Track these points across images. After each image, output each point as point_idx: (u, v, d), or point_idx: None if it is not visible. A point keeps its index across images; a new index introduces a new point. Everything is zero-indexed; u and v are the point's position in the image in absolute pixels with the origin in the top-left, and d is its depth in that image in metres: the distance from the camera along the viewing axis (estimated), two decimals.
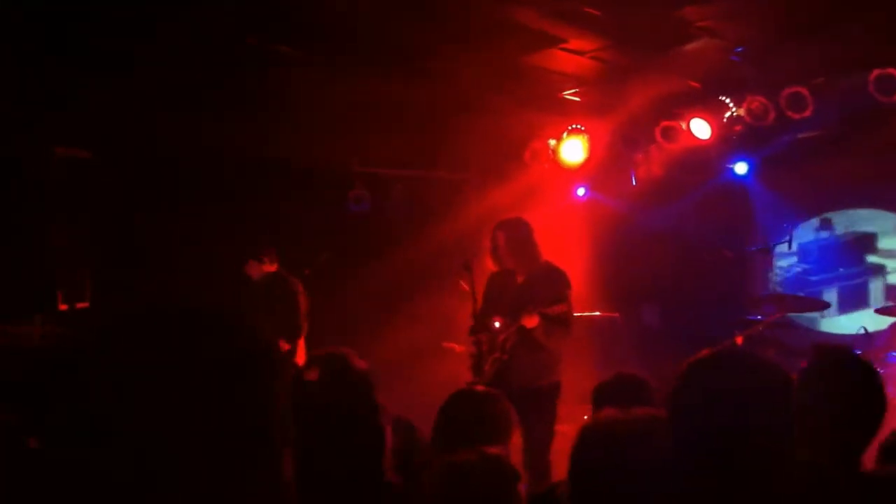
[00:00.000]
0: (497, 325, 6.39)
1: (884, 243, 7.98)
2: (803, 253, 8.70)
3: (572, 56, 7.65)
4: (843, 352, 3.09)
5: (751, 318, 7.57)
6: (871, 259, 8.30)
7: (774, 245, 8.18)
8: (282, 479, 1.31)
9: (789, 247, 8.02)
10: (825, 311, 8.18)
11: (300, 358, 7.47)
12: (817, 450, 2.83)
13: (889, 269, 8.16)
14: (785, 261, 9.12)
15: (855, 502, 2.67)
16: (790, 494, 2.07)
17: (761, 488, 1.93)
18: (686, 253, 9.27)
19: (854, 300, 8.22)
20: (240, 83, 7.21)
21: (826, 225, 8.72)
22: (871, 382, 2.96)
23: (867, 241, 8.27)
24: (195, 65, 6.77)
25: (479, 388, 4.69)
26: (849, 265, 8.53)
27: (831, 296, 8.26)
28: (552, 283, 6.31)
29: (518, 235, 6.46)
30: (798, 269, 8.81)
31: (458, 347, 6.87)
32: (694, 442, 1.96)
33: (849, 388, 2.87)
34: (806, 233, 8.93)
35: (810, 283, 8.64)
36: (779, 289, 9.05)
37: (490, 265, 6.56)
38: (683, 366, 2.05)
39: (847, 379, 2.89)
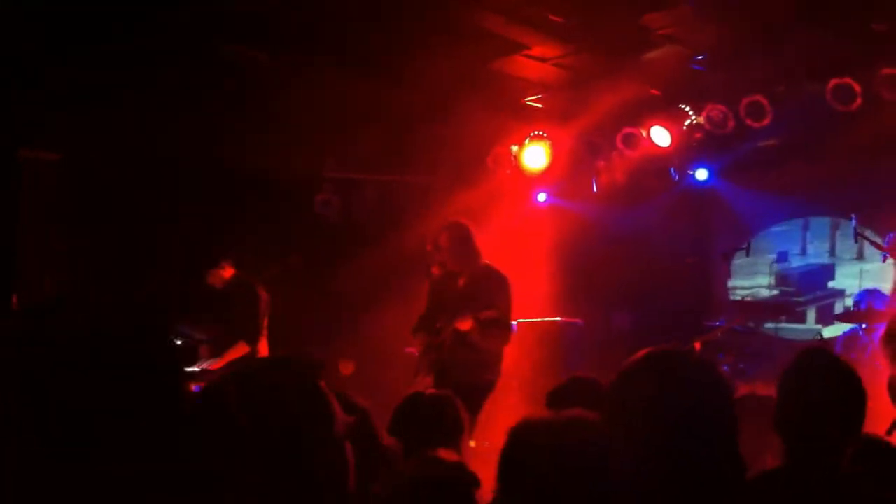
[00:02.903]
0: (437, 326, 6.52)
1: (839, 273, 9.20)
2: (783, 278, 9.42)
3: (535, 62, 7.70)
4: (822, 354, 3.10)
5: (711, 324, 7.65)
6: (831, 284, 9.20)
7: (734, 251, 8.28)
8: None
9: (747, 253, 8.15)
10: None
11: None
12: (795, 453, 2.84)
13: (847, 293, 9.04)
14: (764, 288, 9.48)
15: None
16: (741, 495, 2.08)
17: (700, 486, 1.94)
18: (648, 259, 9.34)
19: (825, 318, 9.15)
20: (209, 87, 7.19)
21: (783, 257, 9.48)
22: (850, 384, 2.96)
23: (829, 270, 9.21)
24: (165, 70, 6.75)
25: (431, 391, 4.70)
26: (822, 289, 9.28)
27: (811, 315, 9.24)
28: (489, 286, 6.42)
29: (459, 237, 6.56)
30: (777, 292, 9.40)
31: (417, 352, 6.93)
32: (630, 442, 1.97)
33: (830, 387, 2.88)
34: (753, 267, 9.32)
35: (795, 304, 9.29)
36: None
37: (432, 267, 6.65)
38: (621, 367, 2.07)
39: (826, 380, 2.90)
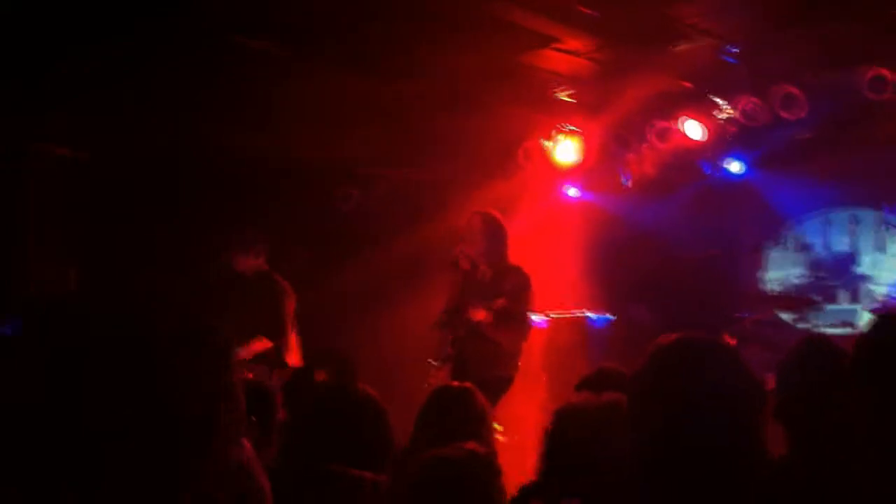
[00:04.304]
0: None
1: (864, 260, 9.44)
2: (816, 264, 9.53)
3: (565, 56, 7.65)
4: (820, 342, 3.08)
5: (741, 316, 7.59)
6: (856, 269, 9.39)
7: (766, 243, 8.22)
8: (228, 465, 1.31)
9: (783, 245, 8.10)
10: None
11: (292, 357, 7.44)
12: (796, 443, 2.83)
13: (869, 277, 9.32)
14: (796, 278, 9.49)
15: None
16: (756, 487, 2.06)
17: (721, 478, 1.91)
18: (679, 252, 9.28)
19: (855, 299, 9.38)
20: (226, 81, 7.20)
21: (805, 247, 9.56)
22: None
23: (854, 257, 9.38)
24: (182, 63, 6.76)
25: (455, 384, 4.71)
26: (849, 273, 9.42)
27: (845, 297, 9.42)
28: (509, 281, 6.43)
29: (490, 227, 6.59)
30: (812, 278, 9.52)
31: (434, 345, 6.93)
32: (649, 428, 1.95)
33: (825, 379, 2.86)
34: (785, 259, 9.40)
35: (829, 287, 9.43)
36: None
37: (459, 250, 6.62)
38: (644, 354, 2.05)
39: (824, 370, 2.88)
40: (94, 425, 1.23)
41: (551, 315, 8.75)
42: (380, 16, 6.48)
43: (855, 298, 9.22)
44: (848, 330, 8.80)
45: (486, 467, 3.49)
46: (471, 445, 3.72)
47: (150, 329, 1.34)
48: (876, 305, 8.54)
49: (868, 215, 9.15)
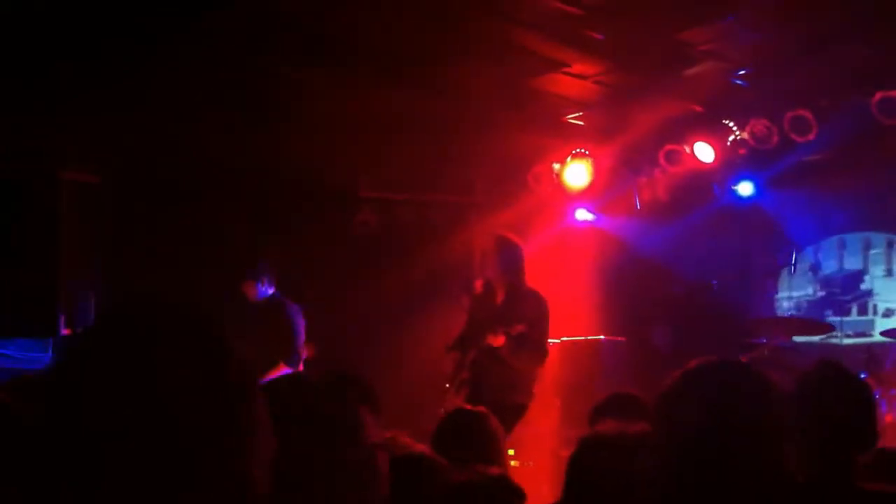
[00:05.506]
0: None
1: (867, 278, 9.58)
2: (828, 281, 9.60)
3: (575, 80, 7.69)
4: (835, 367, 3.08)
5: (756, 341, 7.57)
6: (862, 286, 9.45)
7: (780, 267, 8.19)
8: (230, 466, 1.32)
9: (794, 270, 8.05)
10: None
11: None
12: (810, 467, 2.83)
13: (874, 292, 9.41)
14: (809, 296, 9.56)
15: None
16: None
17: (746, 500, 1.91)
18: (691, 276, 9.26)
19: (864, 312, 9.46)
20: (244, 102, 7.25)
21: (815, 268, 9.57)
22: (863, 397, 2.96)
23: (860, 274, 9.46)
24: (201, 84, 6.81)
25: (468, 407, 4.69)
26: (857, 289, 9.42)
27: (854, 310, 9.52)
28: (526, 306, 6.38)
29: (508, 248, 6.54)
30: (823, 294, 9.57)
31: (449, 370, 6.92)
32: (678, 450, 1.95)
33: (840, 403, 2.87)
34: (801, 282, 9.47)
35: (841, 302, 9.51)
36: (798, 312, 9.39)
37: (475, 282, 6.61)
38: (672, 376, 2.05)
39: (839, 394, 2.89)
40: (94, 425, 1.24)
41: (563, 339, 8.73)
42: (396, 40, 6.54)
43: (863, 311, 9.28)
44: (864, 340, 8.79)
45: (511, 491, 3.50)
46: (494, 470, 3.72)
47: (150, 328, 1.36)
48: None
49: (878, 238, 9.16)
